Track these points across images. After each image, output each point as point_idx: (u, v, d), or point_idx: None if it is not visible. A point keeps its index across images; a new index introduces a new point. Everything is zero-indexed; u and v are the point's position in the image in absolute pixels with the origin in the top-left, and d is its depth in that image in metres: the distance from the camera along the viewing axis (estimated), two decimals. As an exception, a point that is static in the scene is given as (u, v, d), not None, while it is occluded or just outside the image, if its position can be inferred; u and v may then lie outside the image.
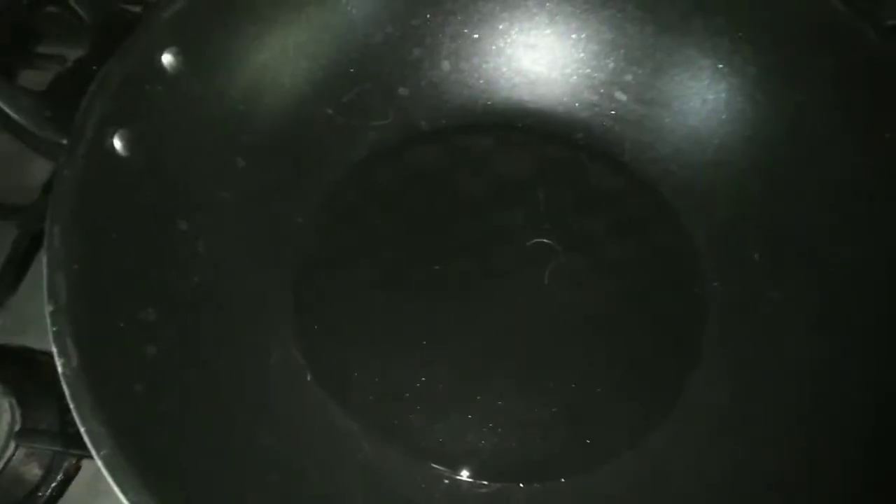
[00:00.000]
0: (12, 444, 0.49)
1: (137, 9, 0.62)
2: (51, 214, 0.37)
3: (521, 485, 0.44)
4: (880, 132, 0.45)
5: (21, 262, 0.55)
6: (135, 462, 0.31)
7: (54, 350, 0.33)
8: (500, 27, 0.59)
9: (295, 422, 0.45)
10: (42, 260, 0.52)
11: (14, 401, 0.50)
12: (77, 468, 0.52)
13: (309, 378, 0.47)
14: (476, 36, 0.59)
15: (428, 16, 0.57)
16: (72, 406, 0.32)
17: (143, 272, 0.42)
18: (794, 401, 0.45)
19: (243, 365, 0.45)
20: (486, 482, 0.44)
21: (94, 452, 0.31)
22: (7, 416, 0.49)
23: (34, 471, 0.51)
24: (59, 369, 0.33)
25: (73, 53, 0.65)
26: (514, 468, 0.45)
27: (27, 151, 0.63)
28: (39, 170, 0.62)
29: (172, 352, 0.41)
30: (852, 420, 0.42)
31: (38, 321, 0.56)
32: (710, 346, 0.49)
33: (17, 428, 0.49)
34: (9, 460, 0.49)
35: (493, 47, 0.60)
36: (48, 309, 0.34)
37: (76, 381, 0.32)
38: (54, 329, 0.34)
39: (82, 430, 0.32)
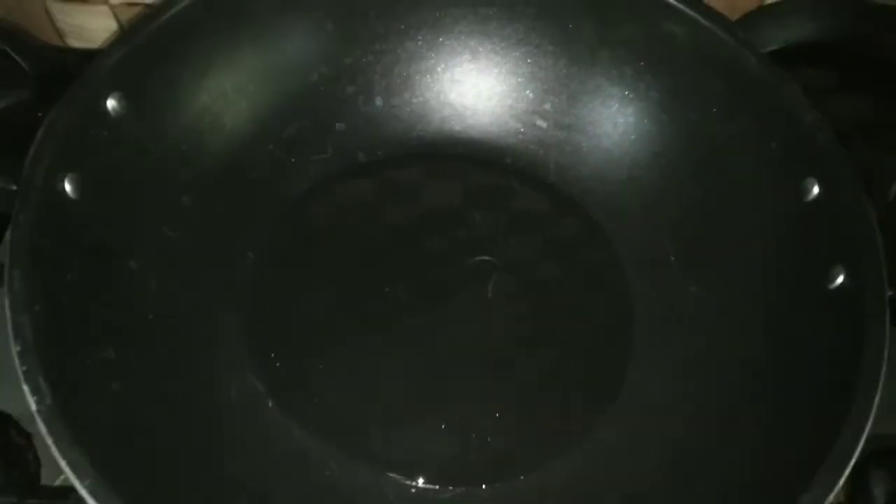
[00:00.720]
0: (-44, 505, 0.47)
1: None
2: (10, 259, 0.37)
3: (484, 486, 0.47)
4: (767, 142, 0.52)
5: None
6: (117, 491, 0.32)
7: (26, 389, 0.33)
8: (427, 64, 0.63)
9: (262, 448, 0.46)
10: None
11: (-45, 458, 0.48)
12: (30, 520, 0.50)
13: (270, 405, 0.48)
14: (405, 73, 0.63)
15: (359, 55, 0.60)
16: (50, 441, 0.32)
17: (99, 312, 0.42)
18: (725, 385, 0.50)
19: (204, 397, 0.46)
20: (451, 487, 0.47)
21: (77, 483, 0.31)
22: (-51, 475, 0.47)
23: (-17, 529, 0.49)
24: (34, 407, 0.33)
25: (2, 101, 0.64)
26: (475, 471, 0.48)
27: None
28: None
29: (135, 388, 0.41)
30: (781, 400, 0.47)
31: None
32: (641, 344, 0.54)
33: (-40, 486, 0.47)
34: (-46, 521, 0.47)
35: (422, 83, 0.64)
36: (16, 349, 0.34)
37: (52, 417, 0.33)
38: (24, 368, 0.34)
39: (63, 463, 0.32)
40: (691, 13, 0.55)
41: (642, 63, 0.59)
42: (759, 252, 0.51)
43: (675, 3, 0.55)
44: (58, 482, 0.50)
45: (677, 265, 0.56)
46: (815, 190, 0.49)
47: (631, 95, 0.60)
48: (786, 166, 0.51)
